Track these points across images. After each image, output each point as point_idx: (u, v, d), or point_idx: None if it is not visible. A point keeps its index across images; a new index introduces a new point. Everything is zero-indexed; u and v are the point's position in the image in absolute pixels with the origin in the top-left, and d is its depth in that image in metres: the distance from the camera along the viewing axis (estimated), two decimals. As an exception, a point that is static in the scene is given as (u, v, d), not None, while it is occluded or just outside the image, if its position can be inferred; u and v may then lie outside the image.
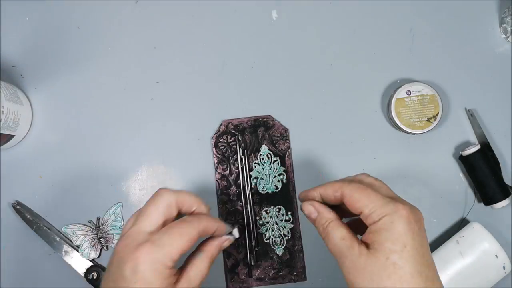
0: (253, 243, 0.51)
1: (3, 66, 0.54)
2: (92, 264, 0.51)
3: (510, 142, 0.54)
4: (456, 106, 0.55)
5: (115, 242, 0.51)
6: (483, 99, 0.55)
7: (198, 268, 0.37)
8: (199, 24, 0.56)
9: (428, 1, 0.57)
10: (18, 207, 0.51)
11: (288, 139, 0.54)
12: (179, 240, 0.35)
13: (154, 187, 0.53)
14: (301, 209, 0.41)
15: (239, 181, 0.52)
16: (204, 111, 0.54)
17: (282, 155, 0.53)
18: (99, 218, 0.52)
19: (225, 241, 0.40)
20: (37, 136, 0.53)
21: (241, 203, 0.52)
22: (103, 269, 0.51)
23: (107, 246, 0.52)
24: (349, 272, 0.35)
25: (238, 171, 0.52)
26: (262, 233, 0.52)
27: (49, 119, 0.54)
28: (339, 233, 0.36)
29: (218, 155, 0.53)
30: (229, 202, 0.52)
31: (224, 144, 0.53)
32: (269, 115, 0.54)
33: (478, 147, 0.52)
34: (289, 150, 0.53)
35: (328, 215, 0.38)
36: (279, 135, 0.53)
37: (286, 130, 0.54)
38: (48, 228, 0.51)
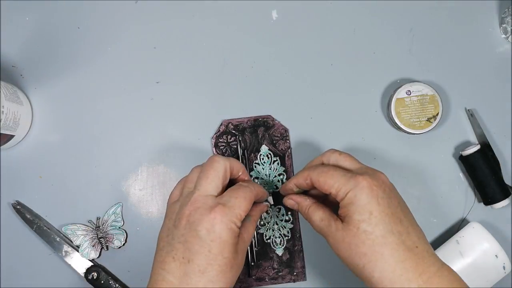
0: (253, 243, 0.51)
1: (3, 66, 0.54)
2: (92, 264, 0.51)
3: (510, 142, 0.54)
4: (456, 106, 0.55)
5: (115, 242, 0.51)
6: (483, 99, 0.55)
7: (248, 230, 0.42)
8: (199, 24, 0.56)
9: (428, 1, 0.57)
10: (18, 207, 0.51)
11: (288, 139, 0.54)
12: (244, 202, 0.40)
13: (154, 187, 0.53)
14: (283, 203, 0.46)
15: (239, 181, 0.52)
16: (204, 111, 0.54)
17: (282, 155, 0.53)
18: (99, 218, 0.52)
19: (265, 206, 0.47)
20: (37, 136, 0.53)
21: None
22: (103, 269, 0.51)
23: (107, 246, 0.52)
24: (333, 246, 0.40)
25: (238, 171, 0.52)
26: (262, 233, 0.52)
27: (49, 119, 0.54)
28: (317, 216, 0.41)
29: (218, 155, 0.53)
30: (229, 202, 0.52)
31: (224, 144, 0.53)
32: (269, 115, 0.54)
33: (478, 147, 0.52)
34: (289, 150, 0.53)
35: (305, 202, 0.43)
36: (279, 135, 0.53)
37: (286, 130, 0.54)
38: (48, 228, 0.51)
